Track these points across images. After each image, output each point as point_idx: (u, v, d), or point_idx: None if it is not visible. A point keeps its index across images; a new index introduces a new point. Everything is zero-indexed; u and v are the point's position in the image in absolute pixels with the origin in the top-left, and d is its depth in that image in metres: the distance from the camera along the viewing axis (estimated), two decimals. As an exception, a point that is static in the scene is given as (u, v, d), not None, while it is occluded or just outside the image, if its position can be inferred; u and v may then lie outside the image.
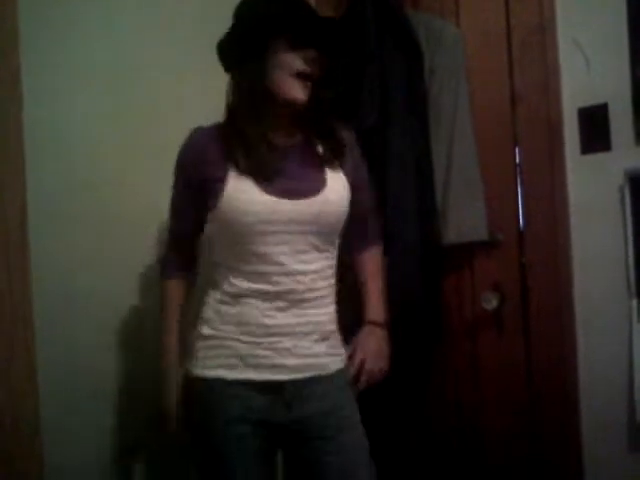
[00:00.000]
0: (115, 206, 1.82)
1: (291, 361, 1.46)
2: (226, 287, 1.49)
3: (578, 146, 1.93)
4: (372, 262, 1.71)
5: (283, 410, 1.46)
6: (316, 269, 1.49)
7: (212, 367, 1.48)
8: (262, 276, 1.45)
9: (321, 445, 1.46)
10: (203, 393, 1.49)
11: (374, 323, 1.64)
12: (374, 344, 1.62)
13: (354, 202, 1.55)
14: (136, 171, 1.88)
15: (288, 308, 1.46)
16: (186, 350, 1.56)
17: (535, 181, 2.02)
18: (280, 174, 1.45)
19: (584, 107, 1.91)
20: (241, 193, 1.43)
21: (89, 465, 1.70)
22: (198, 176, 1.49)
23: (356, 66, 2.03)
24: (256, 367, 1.45)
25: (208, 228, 1.51)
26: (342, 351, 1.57)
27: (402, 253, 1.97)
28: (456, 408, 2.16)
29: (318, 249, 1.49)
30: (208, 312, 1.52)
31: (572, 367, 1.95)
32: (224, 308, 1.49)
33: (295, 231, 1.45)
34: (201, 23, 2.07)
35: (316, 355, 1.49)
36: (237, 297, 1.48)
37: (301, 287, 1.46)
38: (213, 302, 1.52)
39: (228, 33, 1.51)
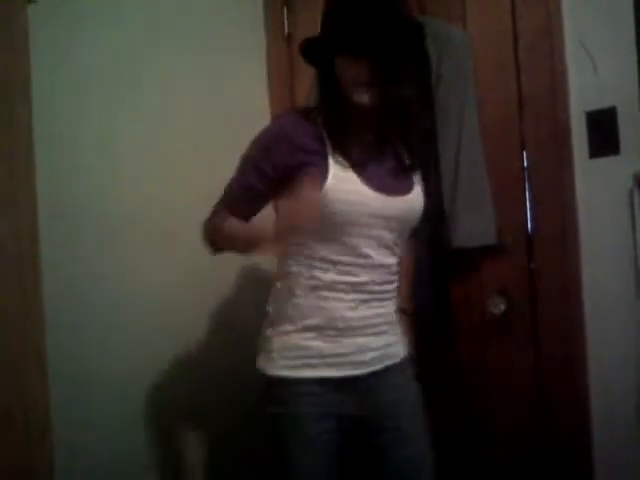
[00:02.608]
0: (128, 211, 1.82)
1: (368, 355, 1.52)
2: (308, 281, 1.50)
3: (586, 150, 1.92)
4: (406, 261, 1.73)
5: (358, 403, 1.52)
6: (391, 264, 1.56)
7: (292, 367, 1.50)
8: (348, 267, 1.49)
9: (392, 436, 1.53)
10: (283, 393, 1.50)
11: (402, 311, 1.70)
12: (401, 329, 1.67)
13: None
14: (150, 176, 1.89)
15: (369, 301, 1.52)
16: (259, 348, 1.56)
17: (543, 185, 2.01)
18: (376, 170, 1.51)
19: (592, 111, 1.91)
20: (344, 184, 1.46)
21: (99, 466, 1.70)
22: (291, 161, 1.48)
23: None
24: (337, 365, 1.50)
25: None
26: (403, 339, 1.65)
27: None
28: (464, 412, 2.14)
29: (395, 245, 1.56)
30: (286, 308, 1.53)
31: (582, 371, 1.94)
32: (304, 302, 1.51)
33: (382, 226, 1.50)
34: (214, 25, 2.09)
35: (389, 345, 1.57)
36: (319, 290, 1.49)
37: (381, 279, 1.53)
38: (291, 297, 1.52)
39: (307, 39, 1.56)
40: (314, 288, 1.50)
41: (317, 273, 1.49)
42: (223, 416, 2.10)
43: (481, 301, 2.11)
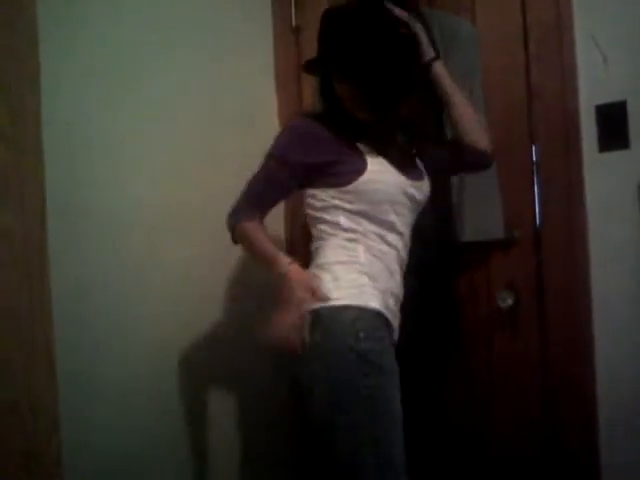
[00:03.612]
0: (136, 206, 1.82)
1: (396, 329, 1.65)
2: (374, 244, 1.62)
3: (596, 144, 1.92)
4: None
5: None
6: (409, 245, 1.70)
7: (385, 307, 1.59)
8: (391, 241, 1.63)
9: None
10: (379, 323, 1.57)
11: None
12: None
13: None
14: (157, 171, 1.89)
15: (402, 277, 1.67)
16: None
17: (552, 179, 2.01)
18: (395, 158, 1.64)
19: (602, 104, 1.90)
20: (381, 171, 1.61)
21: (108, 462, 1.70)
22: (318, 158, 1.59)
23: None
24: (394, 323, 1.63)
25: (337, 201, 1.60)
26: None
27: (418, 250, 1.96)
28: (470, 406, 2.14)
29: (410, 227, 1.69)
30: (360, 256, 1.61)
31: (589, 366, 1.94)
32: (375, 259, 1.61)
33: (408, 207, 1.65)
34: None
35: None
36: (382, 254, 1.62)
37: (405, 258, 1.68)
38: (368, 250, 1.62)
39: (307, 61, 1.67)
40: (378, 252, 1.62)
41: (370, 242, 1.61)
42: (234, 415, 2.11)
43: (489, 295, 2.11)
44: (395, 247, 1.64)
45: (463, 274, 2.15)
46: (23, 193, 1.48)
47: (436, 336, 2.06)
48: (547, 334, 2.03)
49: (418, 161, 1.75)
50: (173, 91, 1.95)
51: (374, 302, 1.56)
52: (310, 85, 2.24)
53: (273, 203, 1.69)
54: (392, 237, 1.63)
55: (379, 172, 1.60)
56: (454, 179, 2.05)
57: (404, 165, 1.65)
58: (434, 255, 2.03)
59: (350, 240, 1.61)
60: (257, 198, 1.65)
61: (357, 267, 1.59)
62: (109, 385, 1.73)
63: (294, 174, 1.62)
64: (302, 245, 2.14)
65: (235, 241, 1.67)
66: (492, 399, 2.11)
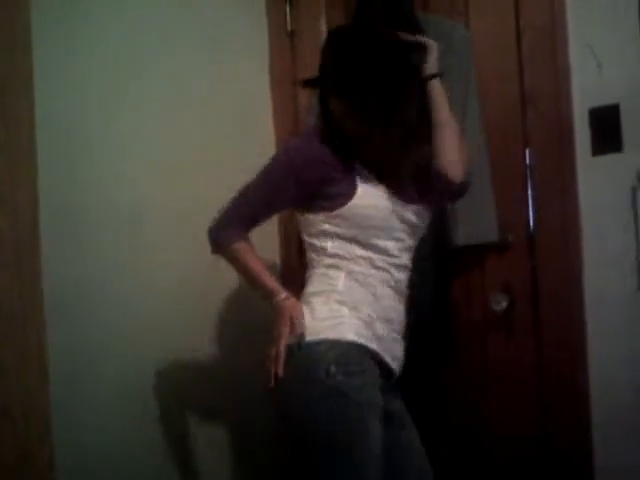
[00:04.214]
0: (129, 207, 1.82)
1: (398, 356, 1.63)
2: (357, 268, 1.60)
3: (589, 147, 1.92)
4: None
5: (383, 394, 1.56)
6: (408, 265, 1.66)
7: (366, 336, 1.55)
8: (386, 265, 1.60)
9: (401, 433, 1.64)
10: (358, 355, 1.53)
11: None
12: None
13: None
14: (151, 174, 1.89)
15: (399, 301, 1.64)
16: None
17: (546, 182, 2.01)
18: (392, 179, 1.61)
19: (595, 108, 1.90)
20: (372, 195, 1.58)
21: (100, 463, 1.70)
22: (316, 176, 1.58)
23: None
24: (384, 350, 1.58)
25: (327, 226, 1.60)
26: None
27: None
28: (465, 409, 2.14)
29: (410, 250, 1.66)
30: (338, 283, 1.60)
31: (583, 369, 1.95)
32: (356, 285, 1.59)
33: (404, 230, 1.62)
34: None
35: (400, 358, 1.65)
36: (371, 286, 1.59)
37: (404, 280, 1.64)
38: (348, 277, 1.60)
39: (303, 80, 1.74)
40: (369, 284, 1.60)
41: (353, 266, 1.60)
42: (228, 415, 2.11)
43: (483, 298, 2.11)
44: (384, 269, 1.60)
45: (457, 277, 2.15)
46: (16, 196, 1.48)
47: (431, 339, 2.06)
48: (541, 337, 2.03)
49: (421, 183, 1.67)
50: (169, 94, 1.96)
51: (351, 334, 1.53)
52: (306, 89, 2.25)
53: (262, 220, 1.68)
54: (382, 260, 1.60)
55: (369, 196, 1.58)
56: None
57: (401, 187, 1.62)
58: (428, 259, 2.03)
59: (332, 267, 1.60)
60: (247, 215, 1.65)
61: (335, 296, 1.57)
62: (102, 387, 1.73)
63: (284, 194, 1.61)
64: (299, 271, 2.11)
65: (216, 252, 1.67)
66: (486, 401, 2.11)
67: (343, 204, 1.57)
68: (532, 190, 2.04)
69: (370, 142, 1.60)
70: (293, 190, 1.59)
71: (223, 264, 2.05)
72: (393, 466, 1.59)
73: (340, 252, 1.59)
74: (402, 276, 1.64)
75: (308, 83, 1.69)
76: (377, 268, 1.59)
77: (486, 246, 2.07)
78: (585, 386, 1.94)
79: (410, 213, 1.62)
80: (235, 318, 2.12)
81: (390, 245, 1.60)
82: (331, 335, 1.52)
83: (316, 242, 1.62)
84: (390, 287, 1.61)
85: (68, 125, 1.69)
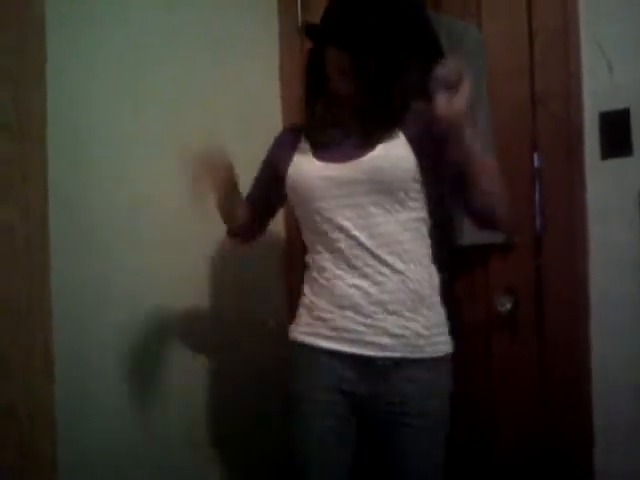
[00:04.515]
0: (137, 202, 1.83)
1: (384, 339, 1.51)
2: (312, 262, 1.61)
3: (598, 151, 1.92)
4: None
5: (368, 384, 1.52)
6: (389, 231, 1.51)
7: (309, 334, 1.58)
8: (331, 244, 1.54)
9: (396, 429, 1.52)
10: (298, 357, 1.60)
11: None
12: None
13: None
14: (159, 167, 1.89)
15: (369, 275, 1.51)
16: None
17: (553, 185, 2.01)
18: (336, 146, 1.57)
19: (606, 111, 1.90)
20: (300, 164, 1.60)
21: (104, 461, 1.70)
22: (274, 159, 1.72)
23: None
24: (348, 341, 1.52)
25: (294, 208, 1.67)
26: (443, 333, 1.58)
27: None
28: (468, 410, 2.14)
29: (388, 210, 1.51)
30: (306, 287, 1.63)
31: (586, 371, 1.95)
32: (315, 284, 1.59)
33: (355, 192, 1.51)
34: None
35: (410, 336, 1.51)
36: (320, 271, 1.58)
37: (373, 251, 1.51)
38: (308, 279, 1.63)
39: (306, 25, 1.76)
40: (320, 269, 1.58)
41: (315, 256, 1.60)
42: (233, 416, 2.10)
43: (487, 299, 2.12)
44: (336, 249, 1.54)
45: (462, 277, 2.15)
46: (26, 189, 1.48)
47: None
48: (546, 338, 2.03)
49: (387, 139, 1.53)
50: (178, 89, 1.96)
51: (295, 333, 1.62)
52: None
53: (254, 197, 1.80)
54: (328, 241, 1.55)
55: (299, 163, 1.61)
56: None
57: (339, 145, 1.56)
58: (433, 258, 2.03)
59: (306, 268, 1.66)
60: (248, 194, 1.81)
61: (302, 299, 1.65)
62: (107, 386, 1.73)
63: (262, 173, 1.80)
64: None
65: (230, 234, 1.83)
66: (489, 402, 2.12)
67: (284, 178, 1.63)
68: (539, 192, 2.05)
69: (354, 102, 1.57)
70: (266, 170, 1.78)
71: (232, 263, 2.07)
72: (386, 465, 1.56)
73: (306, 243, 1.66)
74: (360, 250, 1.51)
75: (311, 28, 1.65)
76: (326, 247, 1.56)
77: (491, 246, 2.07)
78: (588, 388, 1.94)
79: (338, 170, 1.52)
80: (243, 315, 2.12)
81: (337, 215, 1.52)
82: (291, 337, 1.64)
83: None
84: (347, 264, 1.53)
85: (78, 121, 1.69)
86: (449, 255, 2.05)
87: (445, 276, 2.05)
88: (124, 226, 1.80)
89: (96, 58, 1.75)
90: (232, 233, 1.85)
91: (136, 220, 1.83)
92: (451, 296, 2.10)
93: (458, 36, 2.07)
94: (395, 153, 1.52)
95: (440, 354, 1.56)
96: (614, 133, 1.89)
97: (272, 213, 1.89)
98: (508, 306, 2.06)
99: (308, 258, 1.65)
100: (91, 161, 1.73)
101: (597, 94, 1.92)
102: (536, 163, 2.06)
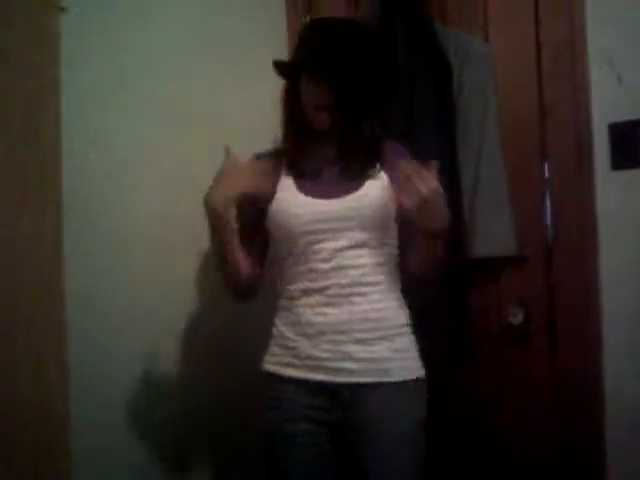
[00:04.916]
0: (152, 213, 1.83)
1: (349, 365, 1.52)
2: (282, 292, 1.63)
3: (609, 162, 1.92)
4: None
5: (339, 411, 1.54)
6: (366, 264, 1.56)
7: (276, 364, 1.60)
8: (308, 274, 1.56)
9: (370, 451, 1.52)
10: (267, 388, 1.62)
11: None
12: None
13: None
14: (175, 174, 1.89)
15: (340, 304, 1.54)
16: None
17: (564, 196, 2.01)
18: (319, 180, 1.61)
19: (615, 122, 1.90)
20: (286, 199, 1.59)
21: (118, 464, 1.70)
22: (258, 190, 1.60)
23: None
24: (314, 368, 1.54)
25: (270, 239, 1.66)
26: (412, 358, 1.59)
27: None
28: (480, 422, 2.14)
29: (370, 245, 1.56)
30: (277, 318, 1.65)
31: (598, 384, 1.93)
32: (283, 313, 1.62)
33: (339, 228, 1.55)
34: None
35: (377, 360, 1.53)
36: (291, 299, 1.60)
37: (347, 282, 1.54)
38: (278, 308, 1.65)
39: (275, 61, 1.66)
40: (289, 298, 1.61)
41: (287, 286, 1.61)
42: (247, 421, 2.09)
43: (499, 311, 2.11)
44: (312, 279, 1.56)
45: (473, 290, 2.14)
46: (40, 198, 1.49)
47: (446, 351, 2.06)
48: (557, 350, 2.03)
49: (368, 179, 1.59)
50: (192, 101, 1.95)
51: (264, 363, 1.64)
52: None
53: (244, 235, 1.61)
54: (304, 271, 1.57)
55: (285, 198, 1.59)
56: (466, 195, 2.05)
57: (321, 180, 1.60)
58: (445, 271, 2.03)
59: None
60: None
61: (272, 330, 1.65)
62: (119, 389, 1.73)
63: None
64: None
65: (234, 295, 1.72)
66: (501, 414, 2.11)
67: (268, 209, 1.60)
68: (550, 203, 2.04)
69: (331, 135, 1.60)
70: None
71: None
72: None
73: (277, 271, 1.65)
74: (337, 280, 1.54)
75: (283, 67, 1.65)
76: (301, 277, 1.57)
77: (503, 259, 2.07)
78: (600, 401, 1.93)
79: (335, 207, 1.55)
80: (254, 322, 2.10)
81: (312, 249, 1.55)
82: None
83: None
84: (316, 294, 1.55)
85: (93, 130, 1.70)
86: (461, 268, 2.06)
87: (456, 289, 2.09)
88: (139, 232, 1.80)
89: (111, 66, 1.75)
90: (240, 290, 1.68)
91: (152, 226, 1.83)
92: (463, 308, 2.12)
93: (465, 49, 2.08)
94: (378, 193, 1.57)
95: (410, 377, 1.56)
96: (624, 144, 1.88)
97: (265, 245, 1.72)
98: (520, 318, 2.06)
99: (279, 287, 1.65)
100: (105, 168, 1.73)
101: (606, 105, 1.92)
102: (546, 174, 2.06)
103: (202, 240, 1.90)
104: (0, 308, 1.41)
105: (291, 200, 1.58)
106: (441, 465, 2.16)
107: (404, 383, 1.55)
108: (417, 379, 1.57)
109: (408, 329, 1.61)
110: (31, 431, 1.45)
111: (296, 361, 1.57)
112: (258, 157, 1.69)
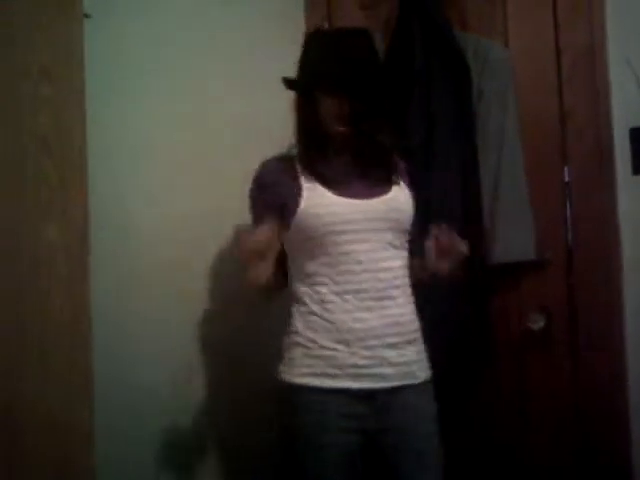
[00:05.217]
0: (176, 218, 1.84)
1: (387, 370, 1.54)
2: (304, 296, 1.58)
3: (630, 166, 1.91)
4: None
5: (373, 417, 1.53)
6: (395, 266, 1.59)
7: (309, 375, 1.54)
8: (344, 275, 1.54)
9: (410, 457, 1.54)
10: (301, 401, 1.54)
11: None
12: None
13: None
14: (202, 177, 1.90)
15: (373, 308, 1.54)
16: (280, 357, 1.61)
17: (584, 201, 2.01)
18: (346, 185, 1.59)
19: (636, 127, 1.90)
20: (318, 198, 1.57)
21: (142, 474, 1.71)
22: (277, 199, 1.59)
23: (404, 87, 2.05)
24: (355, 377, 1.52)
25: (290, 242, 1.60)
26: (426, 359, 1.63)
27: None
28: (502, 429, 2.12)
29: (395, 247, 1.59)
30: (297, 323, 1.58)
31: (622, 389, 1.93)
32: (311, 318, 1.56)
33: (371, 229, 1.56)
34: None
35: (408, 363, 1.57)
36: (321, 303, 1.55)
37: (381, 285, 1.55)
38: (300, 313, 1.58)
39: (285, 79, 1.65)
40: (321, 302, 1.56)
41: (318, 288, 1.56)
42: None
43: (520, 317, 2.10)
44: (348, 281, 1.54)
45: (494, 295, 2.13)
46: (66, 206, 1.51)
47: (468, 357, 2.05)
48: (580, 355, 2.02)
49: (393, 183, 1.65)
50: (213, 111, 1.97)
51: (290, 375, 1.56)
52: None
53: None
54: (338, 273, 1.55)
55: (316, 198, 1.57)
56: (486, 200, 2.05)
57: (357, 183, 1.60)
58: (465, 276, 2.03)
59: (292, 304, 1.61)
60: None
61: (293, 338, 1.58)
62: (143, 397, 1.73)
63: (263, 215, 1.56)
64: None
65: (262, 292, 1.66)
66: (524, 420, 2.09)
67: (293, 213, 1.56)
68: (570, 208, 2.04)
69: (349, 142, 1.60)
70: (267, 211, 1.55)
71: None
72: None
73: (295, 284, 1.60)
74: (373, 282, 1.55)
75: (294, 82, 1.65)
76: (335, 280, 1.55)
77: (523, 264, 2.06)
78: (625, 406, 1.92)
79: (368, 208, 1.57)
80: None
81: (351, 249, 1.55)
82: (285, 378, 1.57)
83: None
84: (352, 297, 1.54)
85: (116, 138, 1.72)
86: (482, 274, 2.06)
87: (479, 295, 2.08)
88: (166, 241, 1.82)
89: (135, 73, 1.78)
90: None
91: (177, 235, 1.84)
92: (484, 314, 2.11)
93: (484, 55, 2.09)
94: (404, 197, 1.65)
95: (427, 378, 1.62)
96: (645, 149, 1.88)
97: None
98: (541, 324, 2.05)
99: (299, 292, 1.59)
100: (131, 176, 1.75)
101: (627, 110, 1.92)
102: (567, 178, 2.05)
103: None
104: (28, 318, 1.41)
105: (325, 200, 1.56)
106: (461, 470, 2.16)
107: (424, 384, 1.60)
108: (430, 380, 1.63)
109: (421, 331, 1.64)
110: (56, 438, 1.46)
111: (333, 370, 1.52)
112: (267, 164, 1.65)
